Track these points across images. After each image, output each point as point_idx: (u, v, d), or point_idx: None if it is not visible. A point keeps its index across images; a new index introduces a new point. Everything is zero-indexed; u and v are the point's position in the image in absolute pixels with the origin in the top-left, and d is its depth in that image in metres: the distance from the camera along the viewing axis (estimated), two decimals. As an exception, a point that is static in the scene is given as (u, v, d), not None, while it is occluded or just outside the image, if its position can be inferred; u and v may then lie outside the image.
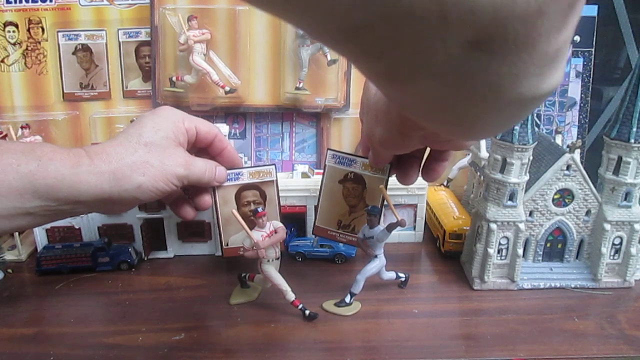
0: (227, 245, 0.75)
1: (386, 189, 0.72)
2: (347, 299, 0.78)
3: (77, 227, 0.92)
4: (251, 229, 0.74)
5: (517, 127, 0.75)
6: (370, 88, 0.52)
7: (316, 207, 0.78)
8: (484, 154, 0.96)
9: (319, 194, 0.78)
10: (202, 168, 0.62)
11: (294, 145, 1.19)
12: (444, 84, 0.26)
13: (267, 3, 0.26)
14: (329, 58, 1.08)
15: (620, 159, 0.80)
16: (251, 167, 0.74)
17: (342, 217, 0.77)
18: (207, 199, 0.68)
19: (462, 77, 0.25)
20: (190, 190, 0.68)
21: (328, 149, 0.76)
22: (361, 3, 0.21)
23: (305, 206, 0.95)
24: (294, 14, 0.25)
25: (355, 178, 0.74)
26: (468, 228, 0.89)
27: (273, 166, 0.73)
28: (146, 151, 0.56)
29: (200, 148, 0.66)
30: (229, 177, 0.71)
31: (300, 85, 1.09)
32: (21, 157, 0.49)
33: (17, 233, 0.91)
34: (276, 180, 0.73)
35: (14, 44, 1.12)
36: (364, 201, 0.76)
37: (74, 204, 0.52)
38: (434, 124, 0.35)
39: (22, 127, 0.98)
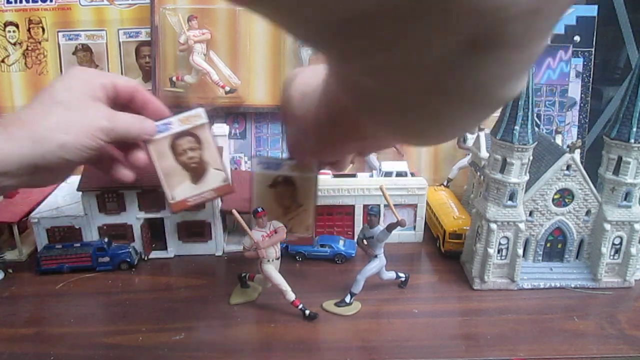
0: (174, 199, 0.70)
1: (316, 185, 0.72)
2: (347, 299, 0.78)
3: (77, 227, 0.92)
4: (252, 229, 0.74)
5: (517, 127, 0.75)
6: (293, 99, 0.52)
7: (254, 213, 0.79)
8: (484, 154, 0.96)
9: (251, 201, 0.79)
10: (128, 120, 0.59)
11: (294, 145, 1.19)
12: (432, 85, 0.25)
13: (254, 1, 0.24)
14: (328, 58, 1.08)
15: (620, 159, 0.80)
16: (178, 113, 0.69)
17: (278, 219, 0.78)
18: (140, 155, 0.63)
19: (453, 76, 0.25)
20: (122, 149, 0.64)
21: (253, 155, 0.76)
22: None
23: (305, 206, 0.95)
24: (285, 12, 0.24)
25: (284, 181, 0.75)
26: (468, 228, 0.89)
27: (202, 109, 0.70)
28: (63, 109, 0.53)
29: (122, 104, 0.62)
30: (159, 129, 0.67)
31: (300, 85, 1.09)
32: None
33: (17, 233, 0.91)
34: (208, 123, 0.70)
35: (14, 44, 1.12)
36: (297, 201, 0.76)
37: (5, 177, 0.50)
38: (393, 129, 0.34)
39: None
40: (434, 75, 0.25)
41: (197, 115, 0.69)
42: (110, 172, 0.64)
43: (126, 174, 0.64)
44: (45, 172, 0.53)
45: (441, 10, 0.20)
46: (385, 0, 0.20)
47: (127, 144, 0.62)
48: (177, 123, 0.68)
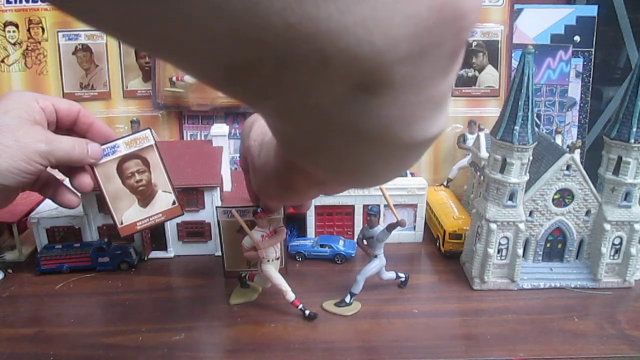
0: (122, 223, 0.69)
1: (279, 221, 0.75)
2: (347, 299, 0.78)
3: (77, 227, 0.92)
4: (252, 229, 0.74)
5: (517, 127, 0.75)
6: (252, 148, 0.51)
7: (223, 253, 0.84)
8: (484, 154, 0.96)
9: (221, 245, 0.83)
10: (69, 144, 0.57)
11: (294, 145, 1.19)
12: (337, 126, 0.26)
13: (144, 45, 0.25)
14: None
15: (620, 159, 0.80)
16: (125, 136, 0.68)
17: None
18: (85, 180, 0.61)
19: (353, 119, 0.25)
20: (68, 173, 0.62)
21: (217, 207, 0.81)
22: (242, 43, 0.20)
23: (305, 206, 0.95)
24: (176, 57, 0.24)
25: (252, 224, 0.76)
26: (468, 228, 0.89)
27: (148, 130, 0.69)
28: None
29: (65, 128, 0.60)
30: (105, 152, 0.66)
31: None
32: None
33: (17, 233, 0.91)
34: (155, 144, 0.69)
35: (14, 44, 1.12)
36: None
37: None
38: (326, 171, 0.34)
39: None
40: (333, 118, 0.25)
41: (144, 137, 0.68)
42: (54, 198, 0.62)
43: (72, 199, 0.62)
44: None
45: (318, 59, 0.20)
46: (263, 51, 0.20)
47: (72, 168, 0.61)
48: (123, 146, 0.67)
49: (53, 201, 0.63)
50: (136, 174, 0.68)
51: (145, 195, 0.68)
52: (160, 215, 0.69)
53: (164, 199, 0.69)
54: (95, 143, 0.61)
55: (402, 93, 0.23)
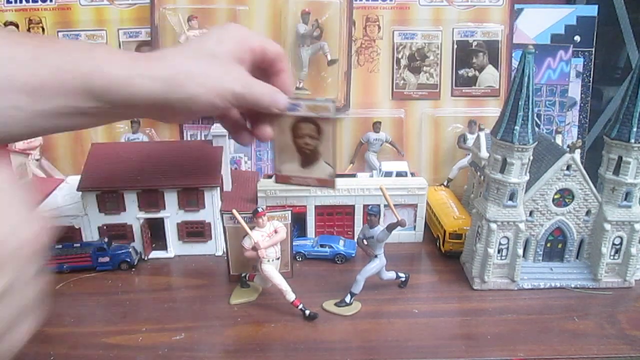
0: (280, 172, 0.75)
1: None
2: (347, 299, 0.78)
3: (77, 227, 0.92)
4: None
5: (517, 127, 0.75)
6: None
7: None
8: (484, 154, 0.96)
9: (226, 250, 0.84)
10: (262, 90, 0.59)
11: (294, 145, 1.19)
12: None
13: None
14: (329, 58, 1.08)
15: (620, 159, 0.80)
16: (309, 99, 0.71)
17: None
18: (267, 130, 0.65)
19: None
20: (250, 117, 0.66)
21: (221, 212, 0.82)
22: None
23: (305, 206, 0.95)
24: None
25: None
26: (468, 228, 0.89)
27: (332, 103, 0.70)
28: (206, 62, 0.53)
29: (259, 67, 0.62)
30: (288, 107, 0.67)
31: (301, 85, 1.09)
32: (79, 57, 0.48)
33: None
34: (333, 118, 0.70)
35: (14, 44, 1.12)
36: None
37: (127, 108, 0.51)
38: None
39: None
40: None
41: (325, 108, 0.69)
42: (231, 131, 0.66)
43: (246, 137, 0.66)
44: (168, 113, 0.55)
45: None
46: None
47: (254, 113, 0.63)
48: (305, 108, 0.68)
49: (227, 130, 0.67)
50: (307, 137, 0.70)
51: (308, 158, 0.71)
52: (315, 180, 0.72)
53: (323, 169, 0.72)
54: (283, 94, 0.62)
55: None
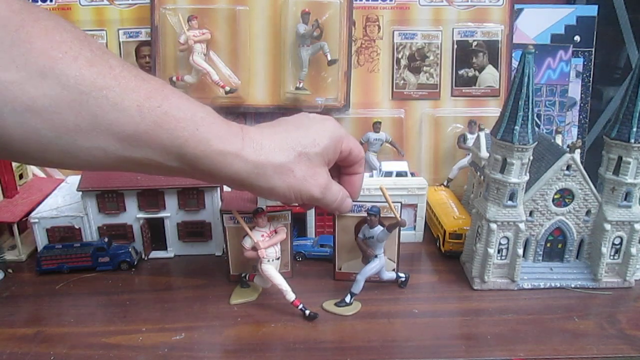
0: (340, 269, 0.85)
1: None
2: (347, 299, 0.78)
3: (77, 227, 0.92)
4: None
5: (517, 127, 0.75)
6: None
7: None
8: (484, 154, 0.96)
9: (227, 250, 0.85)
10: (335, 196, 0.61)
11: (294, 145, 1.19)
12: None
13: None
14: (329, 58, 1.08)
15: (620, 159, 0.80)
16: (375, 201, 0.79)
17: None
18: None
19: None
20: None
21: (221, 211, 0.82)
22: None
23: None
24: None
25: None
26: (468, 228, 0.89)
27: (399, 204, 0.79)
28: (296, 159, 0.54)
29: (337, 164, 0.64)
30: (352, 209, 0.75)
31: (301, 85, 1.09)
32: (182, 118, 0.47)
33: (17, 233, 0.91)
34: (402, 222, 0.76)
35: (14, 44, 1.12)
36: None
37: (205, 175, 0.52)
38: None
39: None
40: None
41: (394, 218, 0.77)
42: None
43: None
44: (241, 189, 0.56)
45: None
46: None
47: None
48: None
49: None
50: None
51: (367, 255, 0.79)
52: (377, 275, 0.80)
53: (387, 264, 0.81)
54: (350, 200, 0.66)
55: None
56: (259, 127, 0.56)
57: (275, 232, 0.78)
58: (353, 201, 0.68)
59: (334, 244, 0.83)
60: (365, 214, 0.77)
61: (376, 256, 0.78)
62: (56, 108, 0.40)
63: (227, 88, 1.08)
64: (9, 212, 0.93)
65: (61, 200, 0.97)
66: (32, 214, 0.92)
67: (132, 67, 0.45)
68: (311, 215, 0.96)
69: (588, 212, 0.83)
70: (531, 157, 0.78)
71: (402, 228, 0.77)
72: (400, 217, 0.77)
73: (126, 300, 0.82)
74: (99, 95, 0.41)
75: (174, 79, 1.09)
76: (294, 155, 0.54)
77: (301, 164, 0.55)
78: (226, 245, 0.84)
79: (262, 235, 0.76)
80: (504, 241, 0.82)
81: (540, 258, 0.86)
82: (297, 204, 0.64)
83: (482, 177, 0.92)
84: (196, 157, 0.48)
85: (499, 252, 0.82)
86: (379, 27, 1.14)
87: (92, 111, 0.41)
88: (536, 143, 0.77)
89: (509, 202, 0.79)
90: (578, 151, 0.79)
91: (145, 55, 1.13)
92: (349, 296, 0.78)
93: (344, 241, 0.82)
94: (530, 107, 0.74)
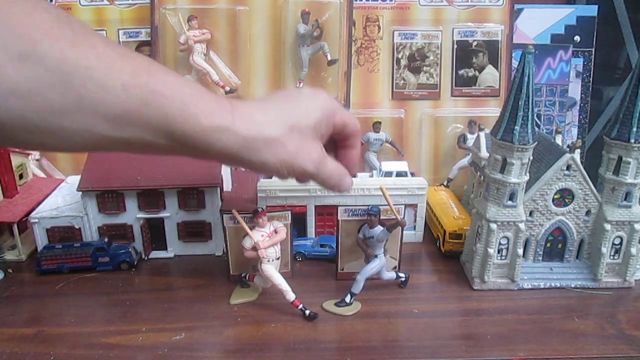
0: (342, 270, 0.85)
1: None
2: (347, 299, 0.78)
3: (77, 227, 0.92)
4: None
5: (517, 127, 0.75)
6: None
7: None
8: (484, 154, 0.96)
9: (227, 250, 0.85)
10: (331, 172, 0.58)
11: (294, 145, 1.19)
12: None
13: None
14: (329, 58, 1.08)
15: (620, 159, 0.79)
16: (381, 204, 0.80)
17: None
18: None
19: None
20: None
21: (221, 211, 0.83)
22: None
23: (305, 206, 0.95)
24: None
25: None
26: (468, 228, 0.89)
27: (402, 206, 0.81)
28: (288, 133, 0.52)
29: (333, 138, 0.62)
30: (355, 212, 0.78)
31: (301, 85, 1.09)
32: (168, 95, 0.46)
33: (17, 233, 0.91)
34: (403, 222, 0.77)
35: (14, 44, 1.12)
36: None
37: (196, 151, 0.50)
38: None
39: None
40: None
41: (395, 218, 0.78)
42: None
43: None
44: (234, 164, 0.54)
45: None
46: None
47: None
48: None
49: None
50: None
51: (367, 255, 0.79)
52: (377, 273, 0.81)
53: (388, 263, 0.81)
54: (349, 177, 0.61)
55: None
56: (249, 101, 0.56)
57: (275, 232, 0.78)
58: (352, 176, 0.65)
59: (337, 244, 0.83)
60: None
61: (376, 256, 0.78)
62: (40, 90, 0.39)
63: (227, 88, 1.08)
64: (9, 212, 0.93)
65: (61, 200, 0.97)
66: (32, 214, 0.92)
67: (116, 44, 0.45)
68: (311, 215, 0.96)
69: (588, 212, 0.83)
70: (531, 157, 0.78)
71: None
72: (400, 217, 0.77)
73: (126, 300, 0.82)
74: (84, 76, 0.40)
75: (174, 79, 1.09)
76: (285, 129, 0.53)
77: (293, 138, 0.53)
78: (226, 245, 0.84)
79: (262, 235, 0.76)
80: (504, 241, 0.82)
81: (540, 258, 0.86)
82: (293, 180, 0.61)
83: (482, 177, 0.92)
84: (185, 134, 0.47)
85: (499, 252, 0.82)
86: (379, 27, 1.14)
87: (77, 92, 0.40)
88: (536, 143, 0.77)
89: (509, 202, 0.79)
90: (578, 151, 0.79)
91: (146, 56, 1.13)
92: (349, 296, 0.78)
93: (346, 244, 0.82)
94: (530, 107, 0.74)
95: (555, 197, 0.82)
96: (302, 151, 0.54)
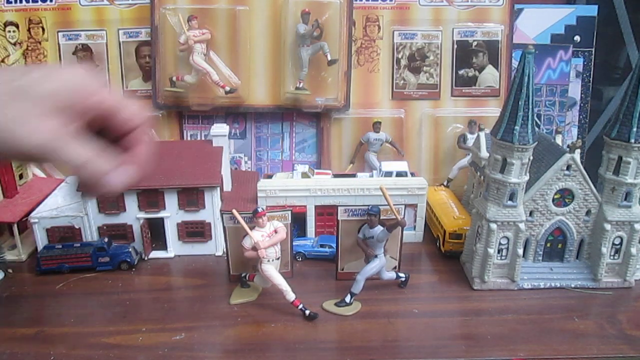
0: (343, 269, 0.85)
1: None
2: (347, 299, 0.78)
3: (77, 227, 0.92)
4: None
5: (517, 127, 0.75)
6: None
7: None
8: (484, 154, 0.96)
9: (227, 250, 0.84)
10: (79, 155, 0.43)
11: (294, 145, 1.19)
12: None
13: None
14: (329, 58, 1.08)
15: (620, 159, 0.79)
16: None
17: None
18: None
19: None
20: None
21: (221, 212, 0.82)
22: None
23: (305, 206, 0.95)
24: None
25: None
26: (468, 228, 0.89)
27: (402, 206, 0.80)
28: (8, 96, 0.42)
29: (114, 133, 0.46)
30: (355, 212, 0.79)
31: (300, 85, 1.09)
32: None
33: (17, 233, 0.91)
34: (403, 223, 0.77)
35: (15, 44, 1.12)
36: None
37: None
38: None
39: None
40: None
41: (395, 218, 0.78)
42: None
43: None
44: None
45: None
46: None
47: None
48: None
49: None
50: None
51: (367, 255, 0.80)
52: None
53: (388, 263, 0.82)
54: (120, 175, 0.46)
55: None
56: None
57: (275, 232, 0.78)
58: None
59: (337, 244, 0.83)
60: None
61: (376, 256, 0.78)
62: None
63: (227, 88, 1.08)
64: (9, 212, 0.93)
65: (61, 200, 0.97)
66: (32, 214, 0.92)
67: None
68: (311, 215, 0.96)
69: (588, 212, 0.83)
70: (531, 157, 0.78)
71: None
72: (400, 217, 0.77)
73: (126, 300, 0.82)
74: None
75: (174, 79, 1.09)
76: (5, 90, 0.42)
77: (14, 102, 0.42)
78: (226, 245, 0.84)
79: (262, 235, 0.76)
80: (504, 241, 0.82)
81: (540, 258, 0.86)
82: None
83: (482, 177, 0.92)
84: None
85: (499, 252, 0.82)
86: (379, 27, 1.14)
87: None
88: (536, 143, 0.77)
89: (509, 202, 0.79)
90: (578, 151, 0.79)
91: (146, 55, 1.13)
92: (349, 296, 0.78)
93: (347, 244, 0.82)
94: (530, 107, 0.74)
95: (555, 197, 0.82)
96: (26, 120, 0.42)
